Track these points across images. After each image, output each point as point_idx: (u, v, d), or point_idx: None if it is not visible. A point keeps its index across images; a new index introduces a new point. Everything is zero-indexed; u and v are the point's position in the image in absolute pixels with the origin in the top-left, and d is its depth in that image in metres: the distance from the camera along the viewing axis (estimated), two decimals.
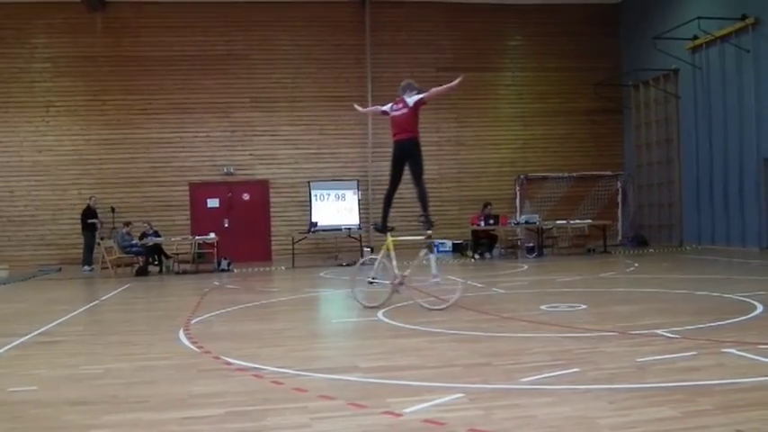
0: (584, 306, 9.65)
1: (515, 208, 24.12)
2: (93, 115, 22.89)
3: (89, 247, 20.58)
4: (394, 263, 10.50)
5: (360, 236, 21.09)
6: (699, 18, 19.80)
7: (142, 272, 18.56)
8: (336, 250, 21.87)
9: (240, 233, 22.65)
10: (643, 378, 5.56)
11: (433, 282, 10.41)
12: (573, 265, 17.39)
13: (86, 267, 20.24)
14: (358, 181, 23.09)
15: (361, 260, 10.90)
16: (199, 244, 19.62)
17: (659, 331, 7.46)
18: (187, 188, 23.15)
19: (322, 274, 17.15)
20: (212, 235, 19.60)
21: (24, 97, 22.68)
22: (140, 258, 19.01)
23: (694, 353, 6.33)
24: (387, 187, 11.19)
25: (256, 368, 6.37)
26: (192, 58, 23.20)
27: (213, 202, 23.28)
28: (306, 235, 20.62)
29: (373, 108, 12.04)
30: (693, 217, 21.80)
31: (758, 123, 18.99)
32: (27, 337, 8.72)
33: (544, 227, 21.37)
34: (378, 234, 23.47)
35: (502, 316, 9.07)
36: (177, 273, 18.84)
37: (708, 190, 21.04)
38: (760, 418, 4.46)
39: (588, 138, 25.44)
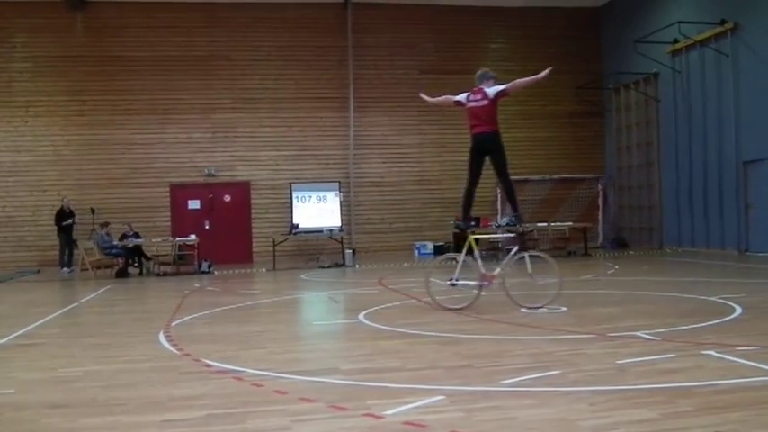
0: (564, 308, 9.68)
1: (497, 210, 24.17)
2: (73, 115, 22.73)
3: (65, 249, 20.42)
4: (479, 261, 10.13)
5: (341, 238, 21.06)
6: (679, 22, 19.94)
7: (122, 274, 18.46)
8: (318, 252, 21.82)
9: (221, 235, 22.57)
10: (623, 380, 5.58)
11: (528, 281, 10.03)
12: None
13: (65, 269, 20.09)
14: (340, 183, 23.06)
15: (435, 261, 10.45)
16: (179, 246, 19.53)
17: (639, 333, 7.49)
18: (168, 189, 23.03)
19: (303, 276, 17.12)
20: (193, 237, 19.52)
21: (3, 97, 22.49)
22: (120, 260, 18.89)
23: (674, 355, 6.36)
24: (465, 183, 10.85)
25: (237, 370, 6.34)
26: (174, 59, 23.10)
27: (194, 204, 23.18)
28: (287, 237, 20.57)
29: (444, 98, 11.54)
30: (673, 220, 21.93)
31: (737, 127, 19.14)
32: (5, 339, 8.65)
33: (525, 229, 21.38)
34: (361, 236, 23.69)
35: (483, 318, 9.09)
36: (157, 274, 18.74)
37: (687, 193, 21.18)
38: (739, 420, 4.49)
39: (570, 140, 25.54)
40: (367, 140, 24.16)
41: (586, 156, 25.53)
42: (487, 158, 10.62)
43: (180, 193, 23.05)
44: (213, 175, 23.18)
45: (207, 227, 22.74)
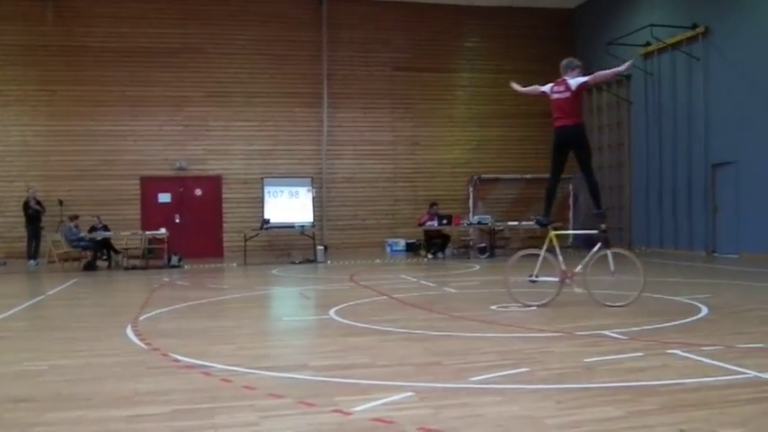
0: (534, 306, 9.73)
1: (468, 208, 24.25)
2: (43, 105, 22.47)
3: (32, 241, 20.20)
4: (560, 258, 9.92)
5: (313, 233, 21.01)
6: (651, 26, 20.13)
7: (90, 267, 18.30)
8: (289, 248, 21.77)
9: (191, 229, 22.45)
10: (590, 378, 5.62)
11: (611, 279, 9.82)
12: (524, 265, 17.48)
13: (32, 261, 19.88)
14: (312, 178, 23.04)
15: (514, 258, 10.18)
16: (149, 239, 19.40)
17: (607, 332, 7.55)
18: (138, 182, 22.85)
19: (274, 271, 17.07)
20: (163, 230, 19.41)
21: None
22: (88, 253, 18.74)
23: (640, 354, 6.41)
24: (548, 178, 10.56)
25: (205, 366, 6.30)
26: (147, 50, 22.91)
27: (164, 197, 23.02)
28: (258, 232, 20.50)
29: (533, 88, 11.18)
30: (643, 220, 22.13)
31: (707, 130, 19.35)
32: None
33: (496, 227, 21.51)
34: (333, 232, 23.66)
35: (453, 315, 9.11)
36: (126, 268, 18.60)
37: (657, 194, 21.37)
38: (702, 418, 4.53)
39: (542, 140, 25.47)
40: (340, 136, 24.13)
41: None
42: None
43: (150, 185, 22.88)
44: (184, 169, 23.03)
45: (177, 220, 22.60)
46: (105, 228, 19.59)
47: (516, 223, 22.05)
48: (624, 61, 10.14)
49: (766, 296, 10.66)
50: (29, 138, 22.36)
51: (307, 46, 23.89)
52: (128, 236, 19.64)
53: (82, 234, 19.02)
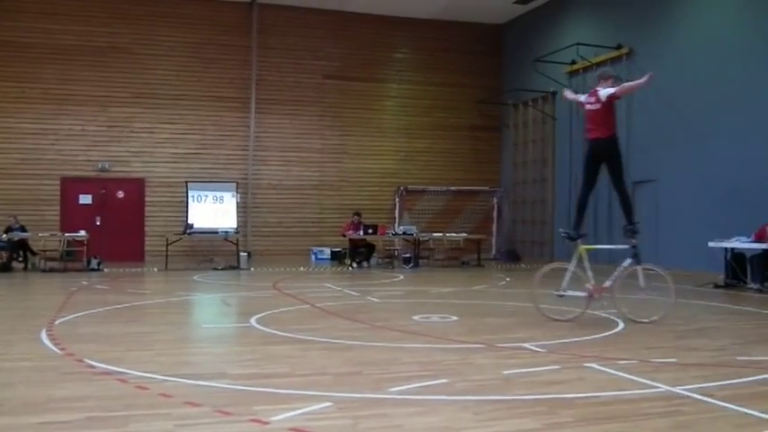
0: (455, 318, 9.82)
1: (394, 218, 24.36)
2: None
3: None
4: (589, 273, 9.65)
5: (237, 240, 20.77)
6: (577, 44, 20.55)
7: (5, 268, 17.79)
8: (212, 253, 21.50)
9: (113, 232, 21.98)
10: (508, 390, 5.69)
11: (640, 297, 9.66)
12: (447, 276, 17.69)
13: None
14: (237, 183, 22.82)
15: (542, 271, 9.86)
16: (68, 241, 18.93)
17: (526, 345, 7.66)
18: (58, 182, 22.28)
19: (196, 277, 16.84)
20: (83, 232, 18.96)
21: None
22: (3, 254, 18.21)
23: (558, 367, 6.52)
24: (580, 189, 10.25)
25: (121, 372, 6.18)
26: (72, 48, 22.37)
27: (86, 199, 22.50)
28: (181, 236, 20.20)
29: (576, 96, 10.82)
30: None
31: (628, 149, 19.77)
32: None
33: (421, 238, 21.64)
34: (257, 238, 23.46)
35: (375, 325, 9.12)
36: (43, 270, 18.12)
37: None
38: (617, 431, 4.63)
39: (469, 153, 25.97)
40: (267, 142, 23.98)
41: (484, 169, 26.02)
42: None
43: (71, 186, 22.34)
44: (107, 170, 22.56)
45: (98, 223, 22.10)
46: (22, 228, 19.06)
47: (441, 234, 22.23)
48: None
49: (681, 311, 10.93)
50: None
51: (236, 50, 23.69)
52: (46, 237, 19.11)
53: None
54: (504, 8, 24.42)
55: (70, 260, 18.66)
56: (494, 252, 25.16)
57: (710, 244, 15.06)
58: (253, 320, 9.42)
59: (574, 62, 21.57)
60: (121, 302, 11.57)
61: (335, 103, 24.65)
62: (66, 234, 19.22)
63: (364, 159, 24.89)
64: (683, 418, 4.94)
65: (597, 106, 9.60)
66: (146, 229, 22.83)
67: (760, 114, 15.25)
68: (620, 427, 4.75)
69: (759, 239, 14.06)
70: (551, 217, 23.31)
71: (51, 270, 18.08)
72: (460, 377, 6.09)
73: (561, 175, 22.84)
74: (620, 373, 6.24)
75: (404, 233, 21.55)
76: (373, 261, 21.06)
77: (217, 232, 20.77)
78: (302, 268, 19.75)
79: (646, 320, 9.33)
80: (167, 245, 19.45)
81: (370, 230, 20.59)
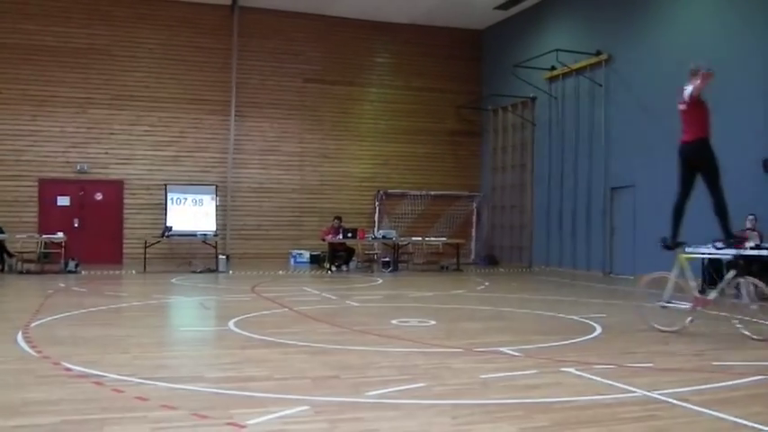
0: (433, 322, 9.83)
1: (374, 222, 24.37)
2: None
3: None
4: (692, 283, 9.16)
5: (216, 242, 20.70)
6: (557, 50, 20.65)
7: None
8: (191, 256, 21.40)
9: (91, 234, 21.83)
10: (485, 394, 5.70)
11: (752, 309, 8.96)
12: (426, 281, 17.71)
13: None
14: (217, 186, 22.74)
15: (646, 280, 9.57)
16: (45, 243, 18.79)
17: (504, 349, 7.68)
18: (36, 184, 22.09)
19: (174, 280, 16.76)
20: (60, 234, 18.82)
21: None
22: None
23: (535, 371, 6.55)
24: (677, 194, 9.41)
25: (97, 375, 6.14)
26: (50, 49, 22.19)
27: (64, 200, 22.33)
28: (159, 239, 20.10)
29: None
30: (543, 240, 22.64)
31: (607, 155, 19.96)
32: None
33: (400, 242, 21.67)
34: (236, 241, 23.38)
35: (353, 329, 9.12)
36: (20, 272, 17.98)
37: (557, 215, 21.91)
38: None
39: (448, 158, 26.03)
40: (247, 146, 23.91)
41: (463, 174, 26.08)
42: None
43: (49, 188, 22.16)
44: (86, 172, 22.40)
45: (76, 225, 21.94)
46: (0, 230, 18.93)
47: (420, 239, 22.27)
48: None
49: (658, 317, 11.01)
50: None
51: (216, 53, 23.62)
52: (23, 239, 18.96)
53: None
54: (485, 14, 24.51)
55: (47, 262, 18.52)
56: (473, 256, 25.24)
57: (687, 249, 15.14)
58: (231, 324, 9.39)
59: (553, 68, 21.68)
60: (99, 305, 11.50)
61: (316, 106, 24.63)
62: (44, 236, 19.08)
63: (344, 163, 24.88)
64: (659, 422, 4.98)
65: (683, 106, 9.02)
66: (124, 231, 22.69)
67: (736, 121, 15.38)
68: (597, 431, 4.78)
69: (735, 245, 14.12)
70: (530, 222, 23.40)
71: (28, 272, 17.95)
72: (438, 381, 6.10)
73: (540, 180, 22.94)
74: (597, 378, 6.28)
75: (383, 237, 21.56)
76: (352, 265, 21.06)
77: (196, 235, 20.69)
78: (281, 272, 19.71)
79: (762, 337, 8.60)
80: (146, 247, 19.36)
81: (349, 234, 20.58)
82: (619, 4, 19.75)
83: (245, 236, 23.75)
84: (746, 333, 8.76)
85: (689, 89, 8.87)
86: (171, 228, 20.47)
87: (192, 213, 21.79)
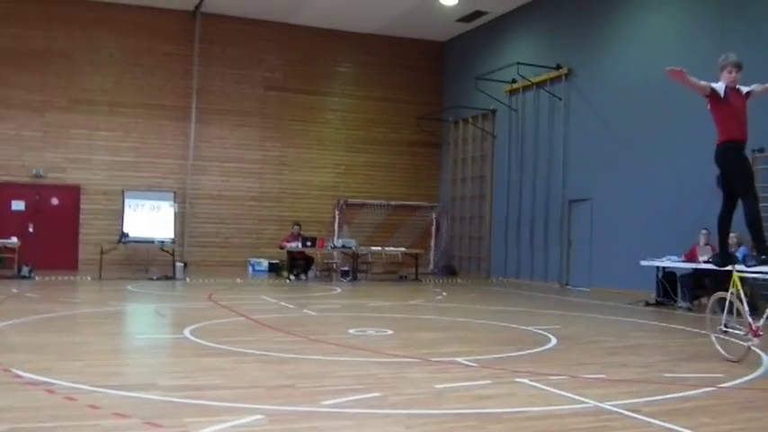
0: (390, 331, 9.85)
1: (333, 231, 24.35)
2: None
3: None
4: (745, 307, 7.81)
5: (173, 250, 20.52)
6: (518, 63, 20.85)
7: None
8: (148, 263, 21.20)
9: (46, 239, 21.53)
10: (439, 404, 5.73)
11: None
12: (385, 290, 17.74)
13: None
14: (175, 193, 22.57)
15: (712, 301, 8.37)
16: None
17: (459, 359, 7.72)
18: None
19: (130, 287, 16.59)
20: (14, 239, 18.53)
21: None
22: None
23: (490, 381, 6.59)
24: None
25: (49, 382, 6.06)
26: (8, 51, 21.85)
27: (18, 205, 22.00)
28: (116, 245, 19.88)
29: None
30: (501, 251, 22.79)
31: (565, 168, 20.17)
32: None
33: (360, 252, 21.68)
34: (194, 249, 23.21)
35: (310, 338, 9.10)
36: None
37: (516, 226, 22.09)
38: None
39: (408, 168, 26.12)
40: (207, 152, 23.77)
41: (423, 184, 26.20)
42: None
43: (3, 192, 21.80)
44: (42, 176, 22.10)
45: (31, 230, 21.62)
46: None
47: (380, 248, 22.30)
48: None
49: (612, 328, 11.17)
50: None
51: (177, 59, 23.48)
52: None
53: None
54: (447, 26, 24.68)
55: (0, 267, 18.21)
56: (431, 266, 25.33)
57: (642, 263, 15.38)
58: (186, 332, 9.32)
59: (514, 81, 21.88)
60: (52, 311, 11.34)
61: (277, 114, 24.59)
62: None
63: (304, 172, 24.84)
64: None
65: (708, 106, 7.88)
66: (80, 237, 22.39)
67: (692, 136, 15.64)
68: None
69: (689, 259, 14.41)
70: (488, 233, 23.55)
71: None
72: (393, 391, 6.12)
73: (499, 191, 23.10)
74: (550, 389, 6.34)
75: (343, 246, 21.55)
76: (311, 274, 21.01)
77: (153, 242, 20.48)
78: (239, 280, 19.60)
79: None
80: (102, 254, 19.12)
81: (308, 243, 20.53)
82: (579, 19, 20.01)
83: (203, 243, 23.60)
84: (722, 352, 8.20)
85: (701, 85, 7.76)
86: (128, 234, 20.24)
87: (150, 220, 21.58)
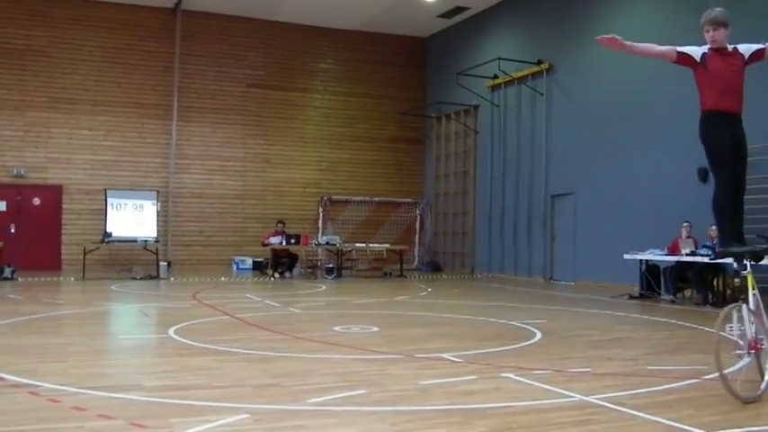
0: (375, 328, 9.85)
1: (317, 228, 24.32)
2: None
3: None
4: (748, 319, 5.90)
5: (156, 249, 20.41)
6: (499, 59, 20.89)
7: None
8: (131, 263, 21.10)
9: (28, 240, 21.40)
10: (425, 400, 5.74)
11: None
12: (369, 287, 17.74)
13: None
14: (158, 192, 22.45)
15: (721, 317, 5.84)
16: None
17: (444, 355, 7.73)
18: None
19: (113, 287, 16.51)
20: None
21: None
22: None
23: (475, 377, 6.61)
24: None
25: (33, 385, 6.02)
26: None
27: (0, 206, 21.86)
28: (99, 245, 19.78)
29: None
30: (485, 246, 22.85)
31: (547, 162, 20.24)
32: None
33: (344, 248, 21.67)
34: (178, 248, 23.12)
35: (295, 336, 9.09)
36: None
37: (499, 221, 22.14)
38: None
39: (392, 164, 26.13)
40: (189, 150, 23.68)
41: (407, 180, 26.22)
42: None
43: None
44: (23, 176, 21.94)
45: (13, 230, 21.47)
46: None
47: (364, 245, 22.29)
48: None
49: (596, 322, 11.22)
50: None
51: (158, 57, 23.37)
52: None
53: None
54: (429, 22, 24.69)
55: None
56: (416, 263, 25.36)
57: (626, 256, 15.45)
58: (171, 331, 9.29)
59: (496, 76, 21.92)
60: (36, 313, 11.26)
61: (259, 112, 24.52)
62: None
63: (287, 169, 24.79)
64: (595, 426, 5.06)
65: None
66: (63, 237, 22.26)
67: (672, 130, 15.74)
68: None
69: (672, 252, 14.49)
70: (472, 228, 23.60)
71: None
72: (378, 388, 6.12)
73: (482, 187, 23.15)
74: (536, 383, 6.36)
75: (327, 243, 21.53)
76: (296, 271, 20.98)
77: (136, 241, 20.36)
78: (223, 278, 19.55)
79: None
80: (85, 254, 19.04)
81: (292, 240, 20.49)
82: (560, 15, 20.08)
83: (187, 242, 23.51)
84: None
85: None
86: (111, 234, 20.12)
87: (133, 219, 21.44)
